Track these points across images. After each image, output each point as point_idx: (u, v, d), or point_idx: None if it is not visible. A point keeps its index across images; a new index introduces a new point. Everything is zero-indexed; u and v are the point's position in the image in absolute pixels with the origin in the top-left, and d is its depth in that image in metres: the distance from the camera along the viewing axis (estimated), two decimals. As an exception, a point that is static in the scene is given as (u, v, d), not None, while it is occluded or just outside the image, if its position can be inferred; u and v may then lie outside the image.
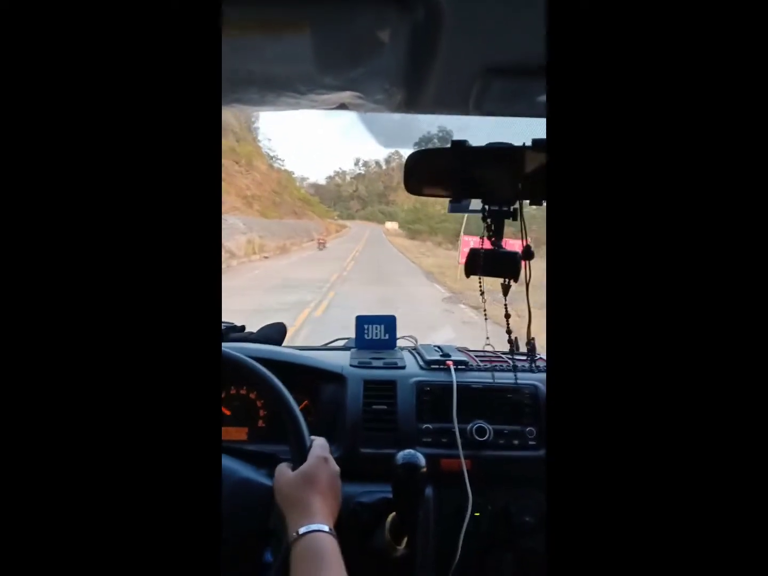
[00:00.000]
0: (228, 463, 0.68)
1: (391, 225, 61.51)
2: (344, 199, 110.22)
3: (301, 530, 0.56)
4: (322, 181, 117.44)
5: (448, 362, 1.04)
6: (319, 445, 0.68)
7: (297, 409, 0.69)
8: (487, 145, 0.65)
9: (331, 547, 0.56)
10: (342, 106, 0.57)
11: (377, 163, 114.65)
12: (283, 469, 0.65)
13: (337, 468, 0.67)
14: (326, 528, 0.57)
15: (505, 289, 0.77)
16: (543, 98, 0.53)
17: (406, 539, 0.76)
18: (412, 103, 0.57)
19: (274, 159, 47.59)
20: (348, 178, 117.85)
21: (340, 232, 51.36)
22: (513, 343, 0.87)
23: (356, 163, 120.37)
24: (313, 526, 0.57)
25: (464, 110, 0.58)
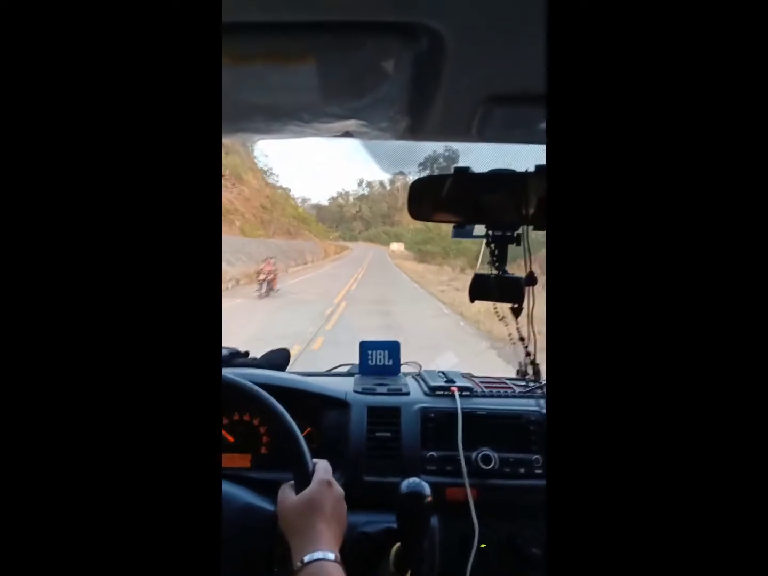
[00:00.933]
0: (231, 489, 0.68)
1: (397, 246, 58.00)
2: (347, 220, 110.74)
3: (306, 558, 0.55)
4: (325, 202, 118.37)
5: (452, 388, 1.03)
6: (322, 468, 0.67)
7: (298, 431, 0.68)
8: (489, 171, 0.65)
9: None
10: (346, 134, 0.58)
11: (381, 183, 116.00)
12: (287, 492, 0.64)
13: (341, 491, 0.66)
14: (331, 556, 0.56)
15: (516, 313, 0.76)
16: (543, 125, 0.54)
17: (410, 571, 0.74)
18: (415, 131, 0.58)
19: (268, 174, 43.36)
20: (351, 199, 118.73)
21: (340, 254, 48.11)
22: (522, 367, 0.86)
23: (360, 184, 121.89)
24: (318, 554, 0.55)
25: (467, 137, 0.59)
